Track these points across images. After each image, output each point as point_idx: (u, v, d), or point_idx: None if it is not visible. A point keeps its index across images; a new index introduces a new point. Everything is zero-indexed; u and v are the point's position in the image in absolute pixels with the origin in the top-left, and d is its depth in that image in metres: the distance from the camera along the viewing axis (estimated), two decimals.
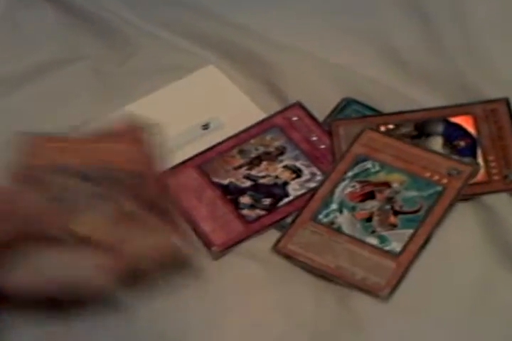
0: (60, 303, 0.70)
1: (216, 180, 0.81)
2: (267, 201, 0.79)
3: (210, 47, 0.91)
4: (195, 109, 0.86)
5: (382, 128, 0.82)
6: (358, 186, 0.78)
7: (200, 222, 0.78)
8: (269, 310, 0.73)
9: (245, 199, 0.79)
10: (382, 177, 0.78)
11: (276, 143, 0.83)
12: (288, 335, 0.72)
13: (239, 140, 0.83)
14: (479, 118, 0.81)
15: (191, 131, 0.85)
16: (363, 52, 0.89)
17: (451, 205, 0.75)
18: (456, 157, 0.79)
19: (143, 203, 0.66)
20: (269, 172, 0.81)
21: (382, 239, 0.75)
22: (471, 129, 0.81)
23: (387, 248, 0.74)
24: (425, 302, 0.72)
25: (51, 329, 0.71)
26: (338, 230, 0.76)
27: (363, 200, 0.77)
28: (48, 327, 0.71)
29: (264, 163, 0.81)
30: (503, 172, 0.78)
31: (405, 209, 0.76)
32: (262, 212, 0.78)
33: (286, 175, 0.81)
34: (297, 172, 0.81)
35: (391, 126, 0.82)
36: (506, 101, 0.81)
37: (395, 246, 0.74)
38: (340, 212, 0.77)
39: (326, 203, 0.77)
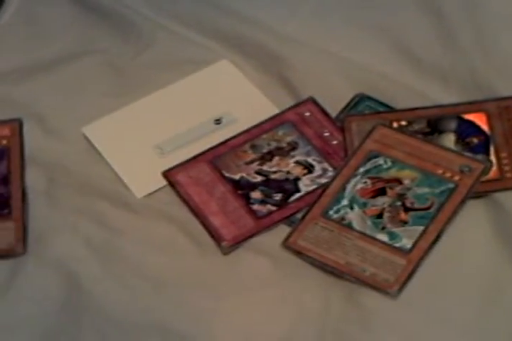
0: None
1: (228, 174, 0.81)
2: (278, 196, 0.79)
3: (224, 41, 0.91)
4: (209, 103, 0.86)
5: (395, 125, 0.81)
6: (369, 182, 0.78)
7: (211, 217, 0.78)
8: (277, 305, 0.74)
9: (256, 194, 0.79)
10: (393, 173, 0.78)
11: (289, 139, 0.82)
12: (296, 330, 0.72)
13: (251, 135, 0.83)
14: (492, 116, 0.81)
15: (204, 125, 0.85)
16: (377, 48, 0.89)
17: (462, 202, 0.75)
18: (468, 154, 0.78)
19: None
20: (280, 168, 0.81)
21: (393, 236, 0.75)
22: (484, 126, 0.80)
23: (397, 244, 0.74)
24: (434, 300, 0.72)
25: None
26: (349, 226, 0.76)
27: (374, 196, 0.77)
28: None
29: (276, 158, 0.81)
30: None
31: (416, 205, 0.76)
32: (273, 208, 0.78)
33: (297, 171, 0.81)
34: (309, 168, 0.81)
35: (404, 123, 0.82)
36: None
37: (406, 242, 0.74)
38: (351, 208, 0.77)
39: (337, 199, 0.77)
